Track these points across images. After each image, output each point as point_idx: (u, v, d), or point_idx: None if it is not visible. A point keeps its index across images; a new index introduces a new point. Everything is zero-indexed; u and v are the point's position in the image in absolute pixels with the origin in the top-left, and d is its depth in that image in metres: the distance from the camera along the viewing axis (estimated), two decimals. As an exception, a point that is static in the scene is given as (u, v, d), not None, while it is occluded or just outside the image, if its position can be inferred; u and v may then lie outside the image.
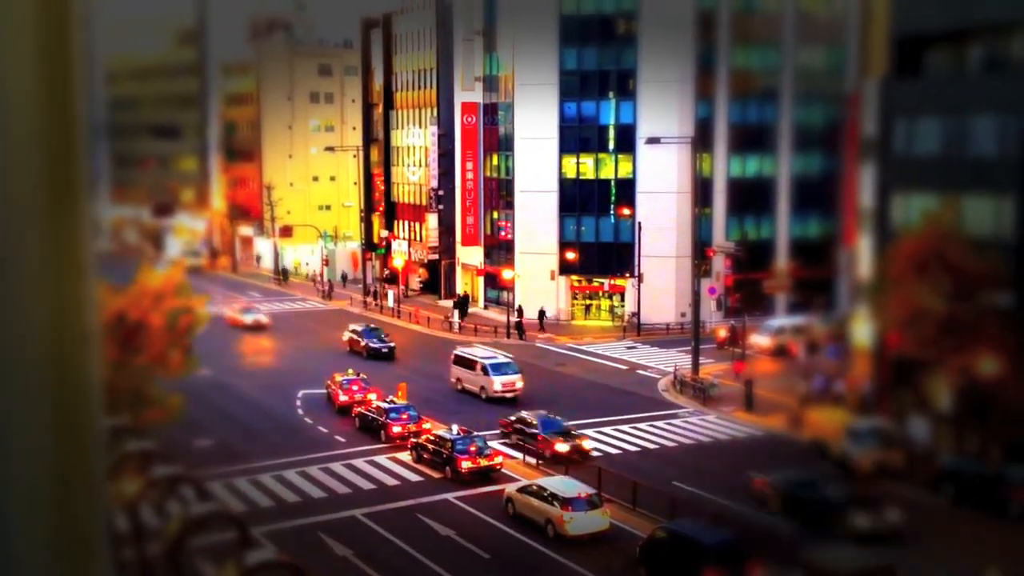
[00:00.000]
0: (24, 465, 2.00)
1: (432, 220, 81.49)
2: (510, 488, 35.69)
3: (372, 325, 65.43)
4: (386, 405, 44.45)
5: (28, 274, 2.00)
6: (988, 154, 39.51)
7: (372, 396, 46.86)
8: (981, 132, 39.71)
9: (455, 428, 40.45)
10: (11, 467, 1.99)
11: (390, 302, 78.45)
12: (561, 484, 34.18)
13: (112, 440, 2.96)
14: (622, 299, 70.88)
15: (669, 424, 46.29)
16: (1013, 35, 39.28)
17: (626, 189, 70.29)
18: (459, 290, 79.29)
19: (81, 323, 2.08)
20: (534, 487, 34.37)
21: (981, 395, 37.21)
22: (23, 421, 2.01)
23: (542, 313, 68.28)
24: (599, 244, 71.47)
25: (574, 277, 72.11)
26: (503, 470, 38.88)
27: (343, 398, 47.70)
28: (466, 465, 37.98)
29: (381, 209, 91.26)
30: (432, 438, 40.09)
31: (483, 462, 38.32)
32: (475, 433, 40.33)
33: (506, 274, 72.58)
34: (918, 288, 37.01)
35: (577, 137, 71.53)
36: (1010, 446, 36.45)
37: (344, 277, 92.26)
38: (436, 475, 38.87)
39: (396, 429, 42.79)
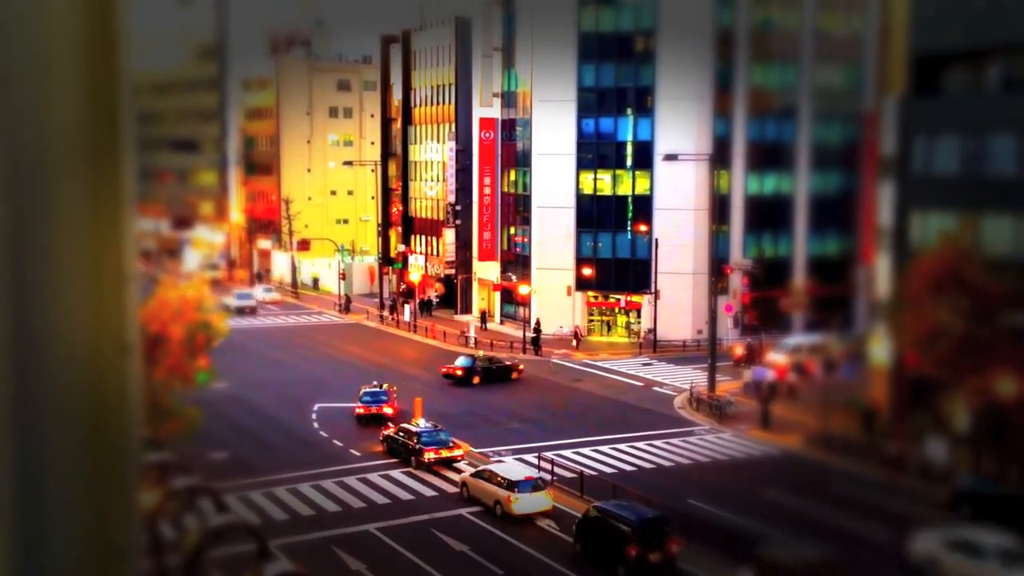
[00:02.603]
0: (61, 474, 2.04)
1: (449, 235, 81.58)
2: (464, 474, 38.98)
3: None
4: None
5: (71, 286, 2.04)
6: (1007, 173, 39.37)
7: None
8: (1000, 151, 39.60)
9: (422, 422, 43.24)
10: (48, 475, 2.02)
11: (407, 316, 78.49)
12: (509, 468, 37.70)
13: (133, 452, 2.99)
14: (638, 315, 70.75)
15: (685, 442, 46.13)
16: (1032, 54, 39.16)
17: (643, 206, 70.25)
18: (476, 304, 79.34)
19: (121, 335, 2.11)
20: (486, 472, 37.56)
21: (999, 415, 36.98)
22: (62, 431, 2.04)
23: (536, 337, 67.81)
24: (616, 260, 71.39)
25: (590, 293, 72.03)
26: (463, 462, 41.48)
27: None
28: (429, 456, 40.89)
29: (398, 223, 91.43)
30: (401, 432, 42.63)
31: (444, 453, 41.34)
32: (439, 427, 42.95)
33: (523, 289, 72.56)
34: (936, 307, 36.85)
35: (595, 153, 71.54)
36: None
37: (348, 301, 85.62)
38: (403, 465, 41.45)
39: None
